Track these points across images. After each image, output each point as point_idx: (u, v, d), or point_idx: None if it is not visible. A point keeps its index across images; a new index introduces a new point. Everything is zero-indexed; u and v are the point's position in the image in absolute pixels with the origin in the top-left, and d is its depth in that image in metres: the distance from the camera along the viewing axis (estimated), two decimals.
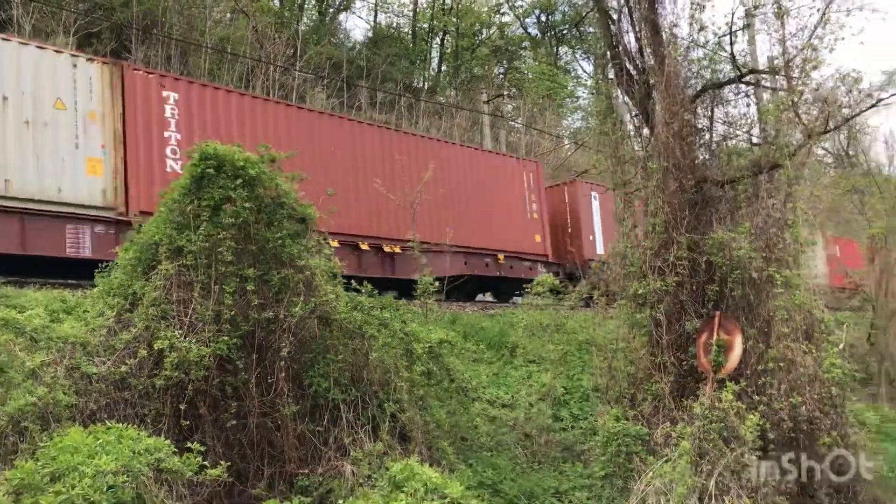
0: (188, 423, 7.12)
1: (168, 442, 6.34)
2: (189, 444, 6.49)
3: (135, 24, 25.01)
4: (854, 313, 17.25)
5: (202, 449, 6.53)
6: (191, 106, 14.23)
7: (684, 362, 9.41)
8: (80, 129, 12.79)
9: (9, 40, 12.61)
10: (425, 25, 40.07)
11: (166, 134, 13.80)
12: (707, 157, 10.73)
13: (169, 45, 25.37)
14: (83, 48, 23.30)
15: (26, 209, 11.89)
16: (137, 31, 24.87)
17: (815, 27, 9.87)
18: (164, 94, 14.02)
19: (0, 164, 11.68)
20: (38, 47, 12.85)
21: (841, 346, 9.70)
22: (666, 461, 8.29)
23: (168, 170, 13.47)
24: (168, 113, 13.95)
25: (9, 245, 11.61)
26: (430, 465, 7.31)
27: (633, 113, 11.01)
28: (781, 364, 8.74)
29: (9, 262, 11.58)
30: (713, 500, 7.63)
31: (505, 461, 9.39)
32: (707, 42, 10.85)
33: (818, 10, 9.91)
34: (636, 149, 11.18)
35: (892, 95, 10.05)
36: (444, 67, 41.27)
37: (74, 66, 13.01)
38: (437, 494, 6.35)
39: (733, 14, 10.59)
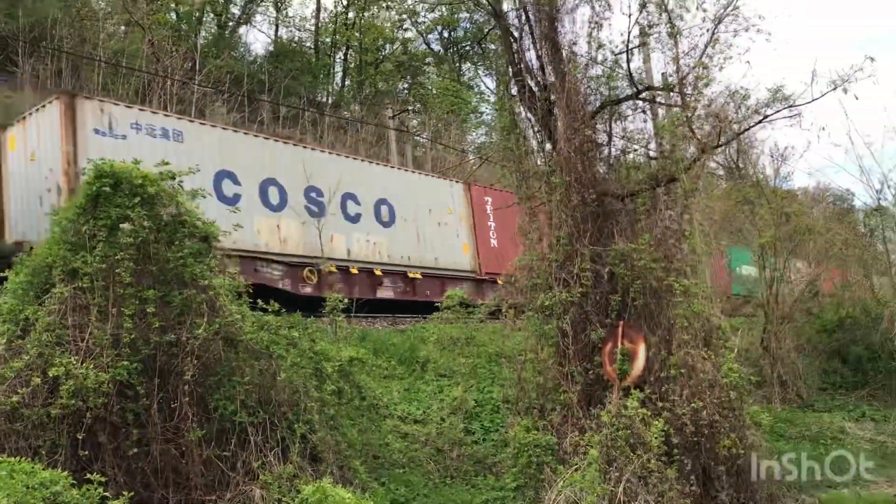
0: (87, 452, 6.81)
1: (65, 474, 6.02)
2: (89, 475, 6.18)
3: (21, 36, 23.93)
4: (748, 319, 18.02)
5: (103, 479, 6.22)
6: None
7: (591, 371, 9.60)
8: (458, 225, 21.54)
9: (428, 175, 23.03)
10: (328, 40, 39.91)
11: (488, 223, 22.48)
12: (607, 171, 11.02)
13: (60, 58, 24.37)
14: None
15: (444, 275, 20.34)
16: (24, 43, 23.80)
17: (706, 46, 10.29)
18: (485, 198, 22.61)
19: (431, 249, 20.28)
20: (437, 177, 22.83)
21: (735, 351, 10.10)
22: (576, 470, 8.44)
23: (491, 245, 22.10)
24: (488, 210, 22.52)
25: (434, 296, 17.08)
26: (343, 486, 7.21)
27: (536, 129, 11.21)
28: (683, 370, 9.03)
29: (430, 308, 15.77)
30: None
31: (418, 477, 9.37)
32: (605, 60, 11.17)
33: (708, 30, 10.34)
34: (539, 163, 11.38)
35: (777, 112, 10.54)
36: (347, 82, 41.19)
37: (451, 186, 22.03)
38: None
39: (629, 33, 10.93)
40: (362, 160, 20.66)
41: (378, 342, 13.92)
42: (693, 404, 8.79)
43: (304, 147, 19.42)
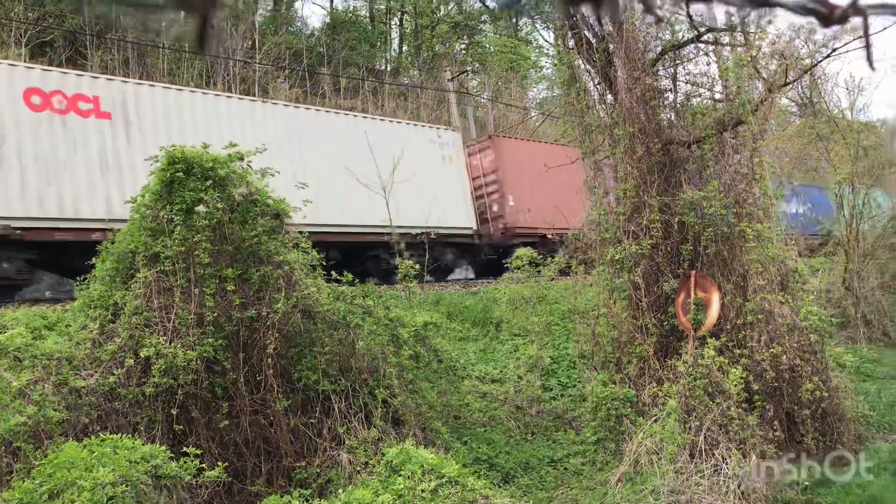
0: (181, 427, 7.15)
1: (164, 448, 6.36)
2: (185, 448, 6.53)
3: (88, 29, 24.66)
4: (827, 259, 17.53)
5: (198, 452, 6.57)
6: None
7: (665, 323, 9.57)
8: None
9: None
10: (382, 7, 39.82)
11: None
12: (672, 117, 10.81)
13: (125, 47, 25.05)
14: (37, 58, 22.97)
15: None
16: (91, 36, 24.51)
17: None
18: None
19: None
20: None
21: (815, 293, 9.89)
22: (655, 421, 8.46)
23: None
24: None
25: None
26: (426, 447, 7.41)
27: (596, 81, 11.05)
28: (760, 316, 8.91)
29: None
30: (703, 455, 7.81)
31: (499, 435, 9.53)
32: (664, 3, 10.84)
33: None
34: (602, 115, 11.22)
35: (846, 44, 10.14)
36: (405, 48, 41.10)
37: None
38: (435, 475, 6.45)
39: None
40: None
41: (451, 306, 14.09)
42: (772, 349, 8.70)
43: None
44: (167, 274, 7.68)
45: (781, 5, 0.87)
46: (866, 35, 0.92)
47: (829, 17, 0.86)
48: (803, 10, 0.86)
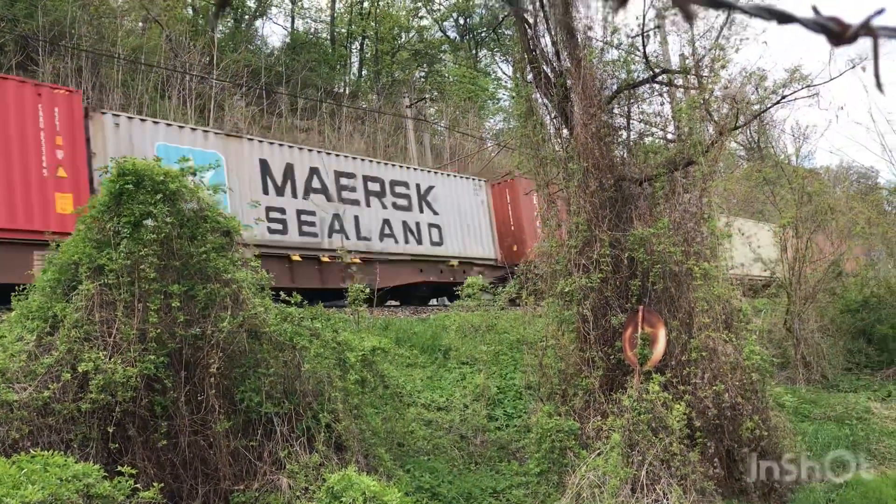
0: (117, 445, 6.95)
1: (97, 467, 6.15)
2: (119, 468, 6.33)
3: (41, 35, 24.18)
4: (770, 300, 17.92)
5: (133, 472, 6.36)
6: None
7: (612, 356, 9.65)
8: None
9: None
10: (344, 30, 39.94)
11: None
12: (625, 155, 11.01)
13: (79, 56, 24.62)
14: None
15: None
16: (44, 42, 24.05)
17: (722, 28, 10.25)
18: None
19: None
20: None
21: (757, 333, 10.09)
22: (598, 454, 8.50)
23: None
24: None
25: None
26: (368, 474, 7.31)
27: (553, 115, 11.19)
28: (704, 353, 9.05)
29: None
30: (645, 490, 7.86)
31: (442, 464, 9.46)
32: (621, 44, 11.12)
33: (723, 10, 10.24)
34: (557, 149, 11.37)
35: (795, 92, 10.46)
36: (364, 72, 41.22)
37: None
38: (376, 503, 6.36)
39: (645, 16, 10.87)
40: None
41: (400, 331, 14.01)
42: (715, 387, 8.82)
43: None
44: (111, 287, 7.49)
45: (799, 21, 0.91)
46: (876, 57, 0.95)
47: (841, 36, 0.90)
48: (817, 27, 0.90)
